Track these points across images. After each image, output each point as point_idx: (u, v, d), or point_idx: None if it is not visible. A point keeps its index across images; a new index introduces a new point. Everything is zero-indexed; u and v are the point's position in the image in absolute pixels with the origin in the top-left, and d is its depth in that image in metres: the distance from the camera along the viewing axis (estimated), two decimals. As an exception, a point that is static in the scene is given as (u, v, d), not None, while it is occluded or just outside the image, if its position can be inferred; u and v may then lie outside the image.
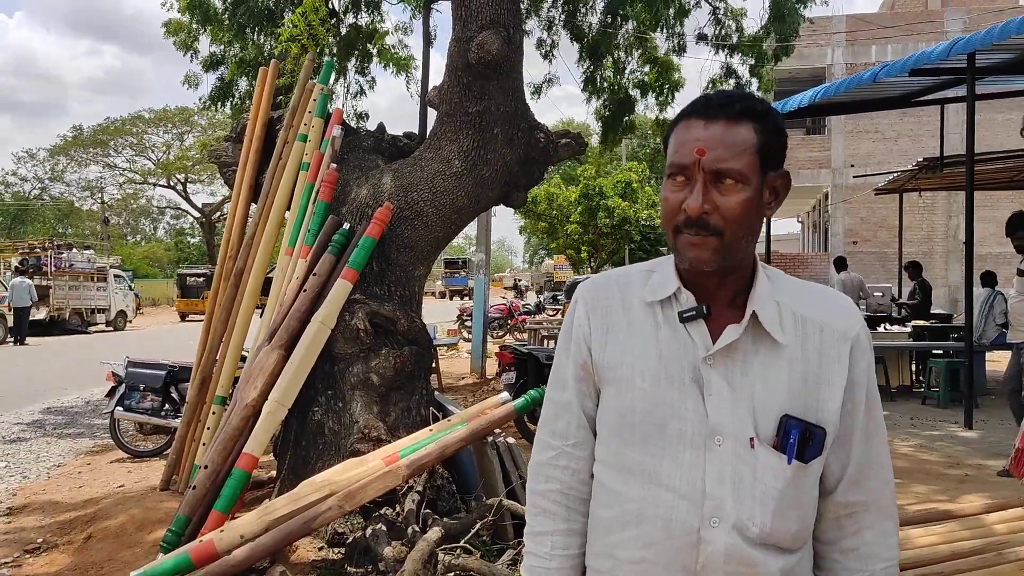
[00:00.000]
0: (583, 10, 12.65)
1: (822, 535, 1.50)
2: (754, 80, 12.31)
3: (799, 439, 1.39)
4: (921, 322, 13.15)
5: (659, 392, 1.43)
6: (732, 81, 12.25)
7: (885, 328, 12.81)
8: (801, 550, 1.45)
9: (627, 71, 12.96)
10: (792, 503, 1.41)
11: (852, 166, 25.11)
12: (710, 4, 12.26)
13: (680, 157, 1.40)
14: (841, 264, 14.50)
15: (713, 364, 1.41)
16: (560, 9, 12.68)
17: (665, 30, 12.11)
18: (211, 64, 12.78)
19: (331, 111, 6.52)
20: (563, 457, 1.58)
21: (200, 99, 12.74)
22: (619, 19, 12.33)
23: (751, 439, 1.39)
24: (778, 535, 1.40)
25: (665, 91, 12.69)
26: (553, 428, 1.60)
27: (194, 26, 12.39)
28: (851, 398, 1.44)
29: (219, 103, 12.69)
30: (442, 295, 57.29)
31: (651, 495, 1.42)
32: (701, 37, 12.51)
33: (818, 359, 1.42)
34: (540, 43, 12.92)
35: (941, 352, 11.24)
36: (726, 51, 12.35)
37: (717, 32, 12.37)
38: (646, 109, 13.54)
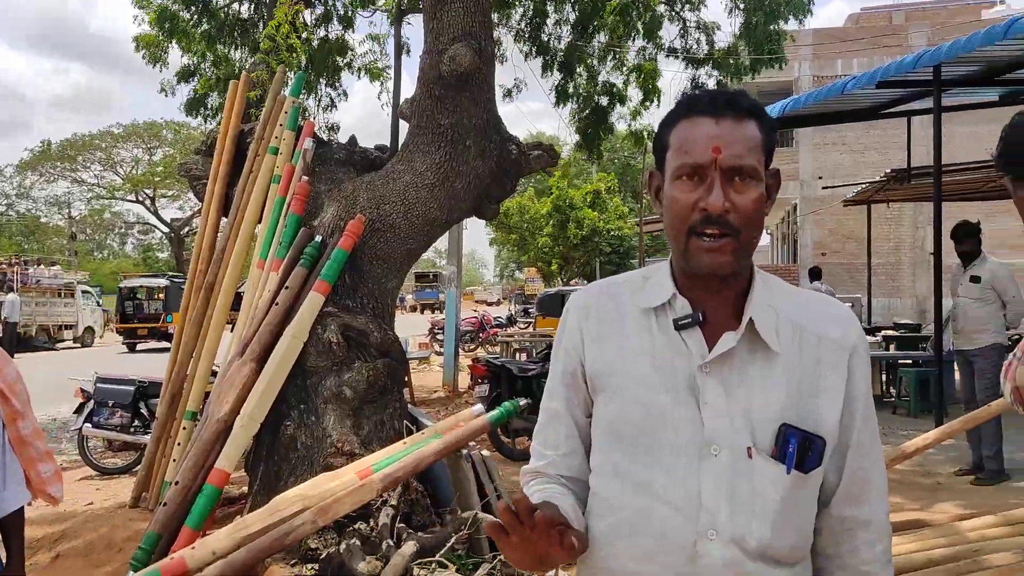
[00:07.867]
0: (550, 24, 12.71)
1: (820, 550, 1.47)
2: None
3: (798, 448, 1.35)
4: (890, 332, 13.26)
5: (652, 400, 1.39)
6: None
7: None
8: (800, 564, 1.42)
9: (599, 82, 13.01)
10: (791, 515, 1.37)
11: (820, 178, 25.33)
12: (680, 17, 12.37)
13: (694, 156, 1.36)
14: (815, 274, 14.58)
15: (709, 372, 1.37)
16: (528, 22, 12.73)
17: (637, 41, 12.21)
18: (184, 75, 12.83)
19: (302, 124, 6.48)
20: (553, 467, 1.55)
21: (179, 107, 12.89)
22: (591, 30, 12.41)
23: (748, 448, 1.35)
24: (777, 548, 1.36)
25: (646, 97, 12.70)
26: (544, 437, 1.58)
27: (162, 40, 12.36)
28: (849, 409, 1.41)
29: (194, 113, 12.79)
30: (413, 308, 56.90)
31: (644, 506, 1.38)
32: (671, 51, 12.60)
33: (815, 368, 1.39)
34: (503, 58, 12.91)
35: (910, 362, 11.35)
36: (696, 65, 12.43)
37: (685, 45, 12.47)
38: (619, 119, 13.58)
